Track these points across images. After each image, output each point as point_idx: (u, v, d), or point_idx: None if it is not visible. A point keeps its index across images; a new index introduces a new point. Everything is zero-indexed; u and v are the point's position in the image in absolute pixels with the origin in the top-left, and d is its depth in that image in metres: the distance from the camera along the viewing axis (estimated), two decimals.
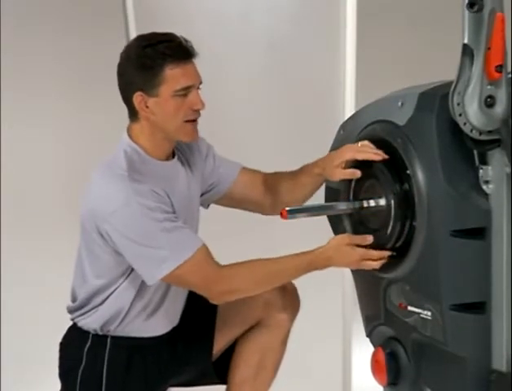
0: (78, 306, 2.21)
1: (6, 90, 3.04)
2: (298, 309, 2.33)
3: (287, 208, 1.97)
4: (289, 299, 2.31)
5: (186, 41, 2.13)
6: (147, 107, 2.11)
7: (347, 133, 2.15)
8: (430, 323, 1.90)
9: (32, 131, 3.13)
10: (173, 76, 2.08)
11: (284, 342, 2.33)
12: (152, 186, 2.06)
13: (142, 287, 2.15)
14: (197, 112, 2.13)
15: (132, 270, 2.12)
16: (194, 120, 2.14)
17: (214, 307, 2.30)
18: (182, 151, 2.27)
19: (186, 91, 2.10)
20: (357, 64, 3.40)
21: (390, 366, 2.05)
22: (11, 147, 3.08)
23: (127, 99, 2.14)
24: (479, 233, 1.84)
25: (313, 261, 2.07)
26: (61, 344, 2.25)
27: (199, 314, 2.31)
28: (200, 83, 2.14)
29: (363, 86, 3.38)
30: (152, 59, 2.08)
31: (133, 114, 2.15)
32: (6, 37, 3.02)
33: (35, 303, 3.08)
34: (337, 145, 2.19)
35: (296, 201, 2.28)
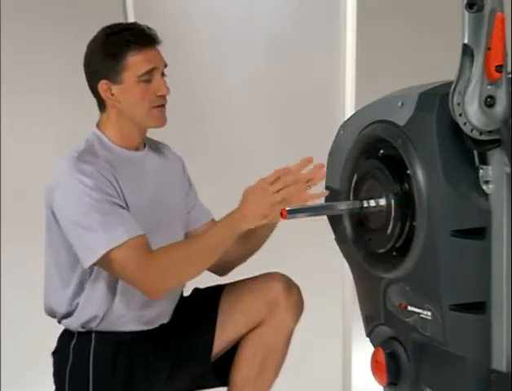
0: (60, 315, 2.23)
1: (6, 90, 3.04)
2: (302, 310, 2.32)
3: (287, 208, 1.96)
4: (294, 299, 2.29)
5: (149, 28, 2.16)
6: (112, 94, 2.14)
7: (347, 134, 2.15)
8: (430, 323, 1.90)
9: (32, 131, 3.13)
10: (135, 62, 2.12)
11: (287, 343, 2.31)
12: (100, 169, 2.08)
13: (111, 283, 2.15)
14: (163, 97, 2.14)
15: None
16: (161, 106, 2.15)
17: (216, 305, 2.30)
18: (159, 152, 2.29)
19: (149, 76, 2.13)
20: (357, 64, 3.40)
21: (390, 366, 2.05)
22: (11, 147, 3.07)
23: (94, 89, 2.18)
24: (479, 233, 1.84)
25: (232, 223, 2.05)
26: (53, 352, 2.27)
27: (199, 312, 2.31)
28: (165, 66, 2.16)
29: (363, 86, 3.39)
30: (116, 45, 2.13)
31: (100, 104, 2.19)
32: (6, 36, 3.02)
33: (35, 303, 3.07)
34: (337, 145, 2.19)
35: (243, 256, 2.30)
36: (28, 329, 3.09)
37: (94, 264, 2.07)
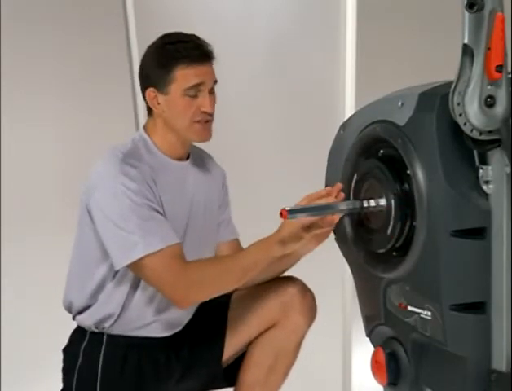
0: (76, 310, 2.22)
1: (6, 90, 3.04)
2: (315, 316, 2.31)
3: (287, 208, 1.96)
4: (308, 304, 2.29)
5: (206, 44, 2.16)
6: (158, 103, 2.14)
7: (347, 134, 2.15)
8: (430, 323, 1.90)
9: (32, 131, 3.13)
10: (183, 75, 2.11)
11: (298, 347, 2.31)
12: (143, 174, 2.08)
13: (133, 287, 2.15)
14: (207, 114, 2.14)
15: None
16: (205, 122, 2.15)
17: (226, 310, 2.30)
18: (203, 163, 2.29)
19: (195, 91, 2.12)
20: (357, 64, 3.40)
21: (390, 366, 2.05)
22: (11, 147, 3.08)
23: (143, 93, 2.20)
24: (479, 233, 1.84)
25: (269, 245, 2.06)
26: (63, 348, 2.26)
27: (211, 317, 2.30)
28: (215, 82, 2.17)
29: (363, 86, 3.39)
30: (168, 56, 2.12)
31: (148, 109, 2.20)
32: (6, 36, 3.02)
33: (35, 303, 3.08)
34: (337, 145, 2.19)
35: (263, 280, 2.28)
36: (28, 329, 3.09)
37: (126, 266, 2.08)
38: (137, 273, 2.10)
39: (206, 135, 2.17)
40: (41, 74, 3.12)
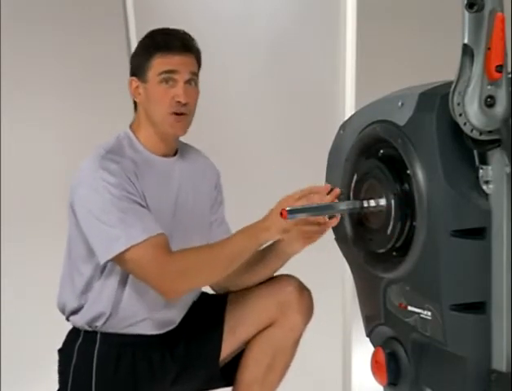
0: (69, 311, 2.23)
1: (6, 90, 3.04)
2: (312, 314, 2.32)
3: (287, 208, 1.96)
4: (305, 303, 2.29)
5: (187, 39, 2.18)
6: (139, 94, 2.18)
7: (347, 134, 2.15)
8: (430, 323, 1.90)
9: (32, 131, 3.13)
10: (159, 62, 2.15)
11: (295, 345, 2.31)
12: (124, 169, 2.09)
13: (121, 284, 2.15)
14: (182, 105, 2.14)
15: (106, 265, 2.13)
16: (180, 114, 2.14)
17: (223, 309, 2.29)
18: (194, 161, 2.28)
19: (171, 79, 2.13)
20: (357, 64, 3.41)
21: (390, 366, 2.05)
22: (11, 147, 3.08)
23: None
24: (479, 233, 1.84)
25: (253, 233, 2.06)
26: (59, 349, 2.26)
27: (207, 316, 2.30)
28: (195, 75, 2.17)
29: (363, 86, 3.39)
30: (148, 46, 2.17)
31: (134, 104, 2.22)
32: (6, 36, 3.02)
33: (35, 303, 3.08)
34: (337, 145, 2.19)
35: (255, 282, 2.29)
36: (27, 329, 3.09)
37: (111, 260, 2.08)
38: (123, 266, 2.10)
39: (178, 128, 2.17)
40: (41, 74, 3.13)
